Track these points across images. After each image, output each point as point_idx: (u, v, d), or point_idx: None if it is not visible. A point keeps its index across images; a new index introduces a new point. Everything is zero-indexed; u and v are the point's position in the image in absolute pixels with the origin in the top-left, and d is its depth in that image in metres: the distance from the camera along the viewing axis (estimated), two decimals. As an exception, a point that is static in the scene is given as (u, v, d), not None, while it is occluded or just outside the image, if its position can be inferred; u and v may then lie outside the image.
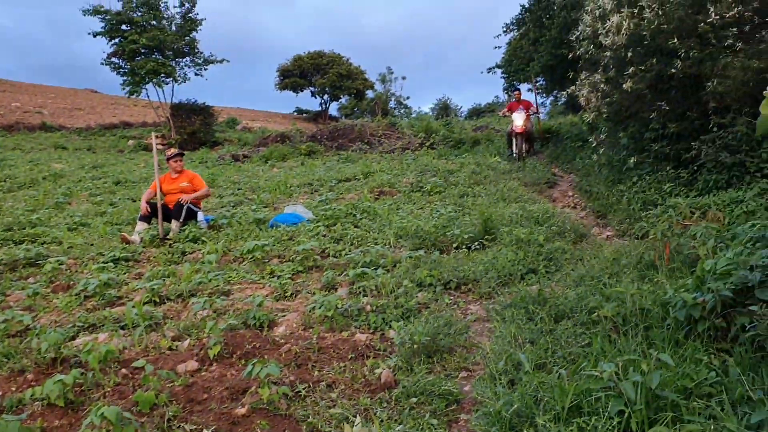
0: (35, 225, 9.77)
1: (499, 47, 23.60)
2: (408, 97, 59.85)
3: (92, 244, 8.53)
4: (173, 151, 10.07)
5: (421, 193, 11.61)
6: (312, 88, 45.60)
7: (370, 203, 10.47)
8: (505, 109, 17.64)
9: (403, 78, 63.38)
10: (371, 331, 4.93)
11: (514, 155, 15.98)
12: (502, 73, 23.88)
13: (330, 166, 16.93)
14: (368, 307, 5.26)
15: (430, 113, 47.21)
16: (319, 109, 47.63)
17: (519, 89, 18.36)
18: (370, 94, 49.49)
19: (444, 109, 49.87)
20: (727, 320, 3.52)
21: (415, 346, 4.23)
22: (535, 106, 17.74)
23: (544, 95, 22.65)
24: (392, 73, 52.42)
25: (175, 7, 26.81)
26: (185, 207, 9.24)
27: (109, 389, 3.92)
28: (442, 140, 20.56)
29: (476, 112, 47.35)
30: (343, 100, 49.76)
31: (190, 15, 26.81)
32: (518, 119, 15.99)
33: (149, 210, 9.18)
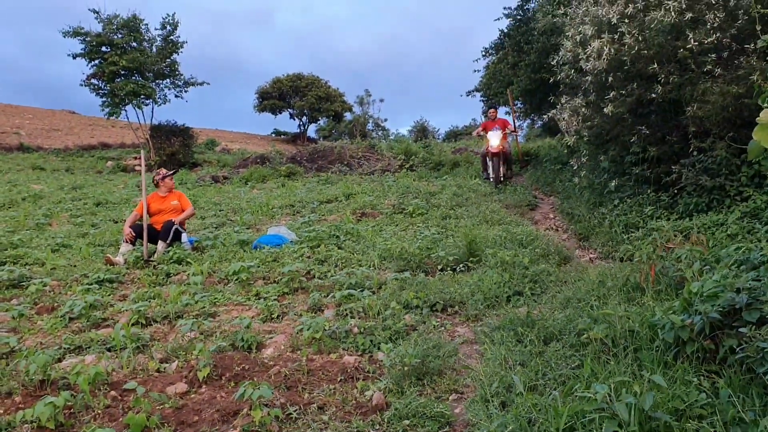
0: (17, 246, 9.65)
1: (478, 71, 23.81)
2: (386, 119, 60.03)
3: (75, 266, 8.45)
4: (165, 171, 10.06)
5: (403, 215, 11.64)
6: (291, 110, 45.75)
7: (353, 225, 10.49)
8: (480, 129, 16.76)
9: (381, 100, 63.13)
10: (359, 353, 4.94)
11: (490, 178, 15.31)
12: (481, 96, 24.11)
13: (311, 188, 16.90)
14: (356, 329, 5.27)
15: (408, 135, 47.46)
16: (298, 130, 47.74)
17: (495, 108, 17.52)
18: (348, 116, 49.76)
19: (422, 132, 50.14)
20: (715, 342, 3.57)
21: (405, 368, 4.24)
22: (512, 125, 16.95)
23: (522, 118, 22.67)
24: (370, 95, 52.87)
25: (156, 29, 26.58)
26: (174, 227, 9.23)
27: (99, 411, 3.88)
28: (422, 162, 20.59)
29: (454, 135, 47.66)
30: (322, 122, 49.99)
31: (171, 38, 26.78)
32: (494, 139, 15.23)
33: (134, 234, 9.13)
